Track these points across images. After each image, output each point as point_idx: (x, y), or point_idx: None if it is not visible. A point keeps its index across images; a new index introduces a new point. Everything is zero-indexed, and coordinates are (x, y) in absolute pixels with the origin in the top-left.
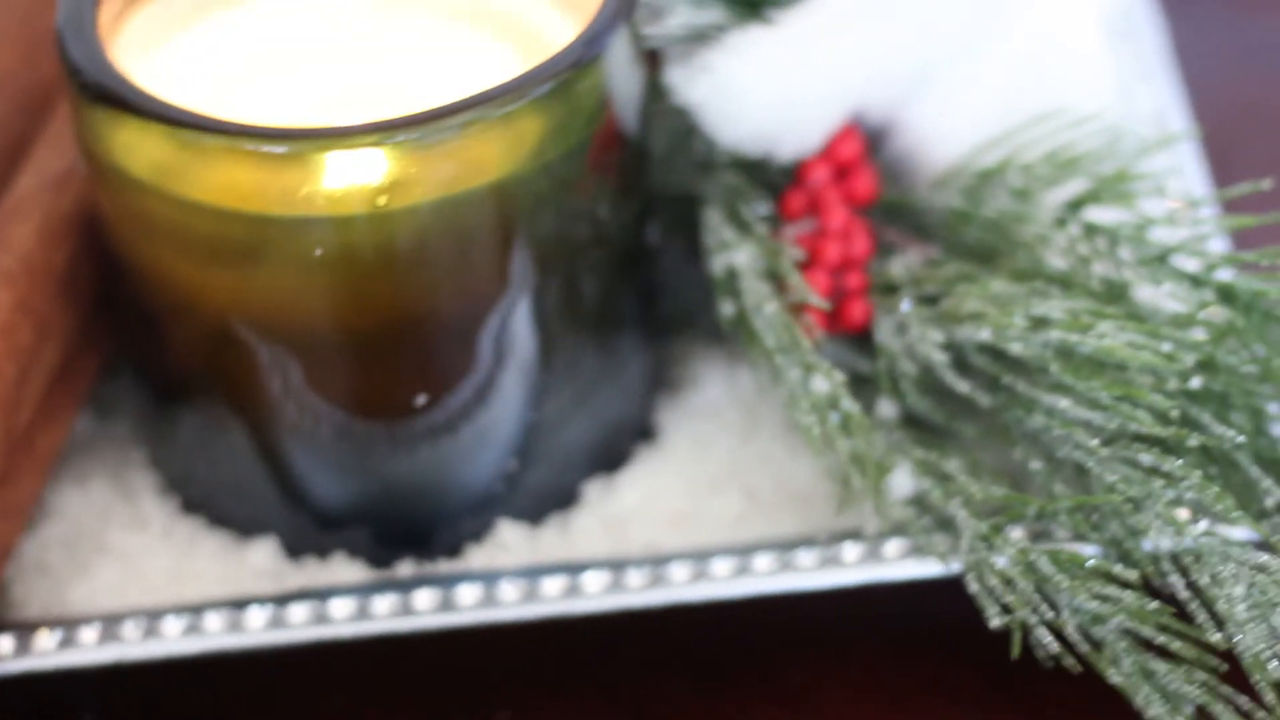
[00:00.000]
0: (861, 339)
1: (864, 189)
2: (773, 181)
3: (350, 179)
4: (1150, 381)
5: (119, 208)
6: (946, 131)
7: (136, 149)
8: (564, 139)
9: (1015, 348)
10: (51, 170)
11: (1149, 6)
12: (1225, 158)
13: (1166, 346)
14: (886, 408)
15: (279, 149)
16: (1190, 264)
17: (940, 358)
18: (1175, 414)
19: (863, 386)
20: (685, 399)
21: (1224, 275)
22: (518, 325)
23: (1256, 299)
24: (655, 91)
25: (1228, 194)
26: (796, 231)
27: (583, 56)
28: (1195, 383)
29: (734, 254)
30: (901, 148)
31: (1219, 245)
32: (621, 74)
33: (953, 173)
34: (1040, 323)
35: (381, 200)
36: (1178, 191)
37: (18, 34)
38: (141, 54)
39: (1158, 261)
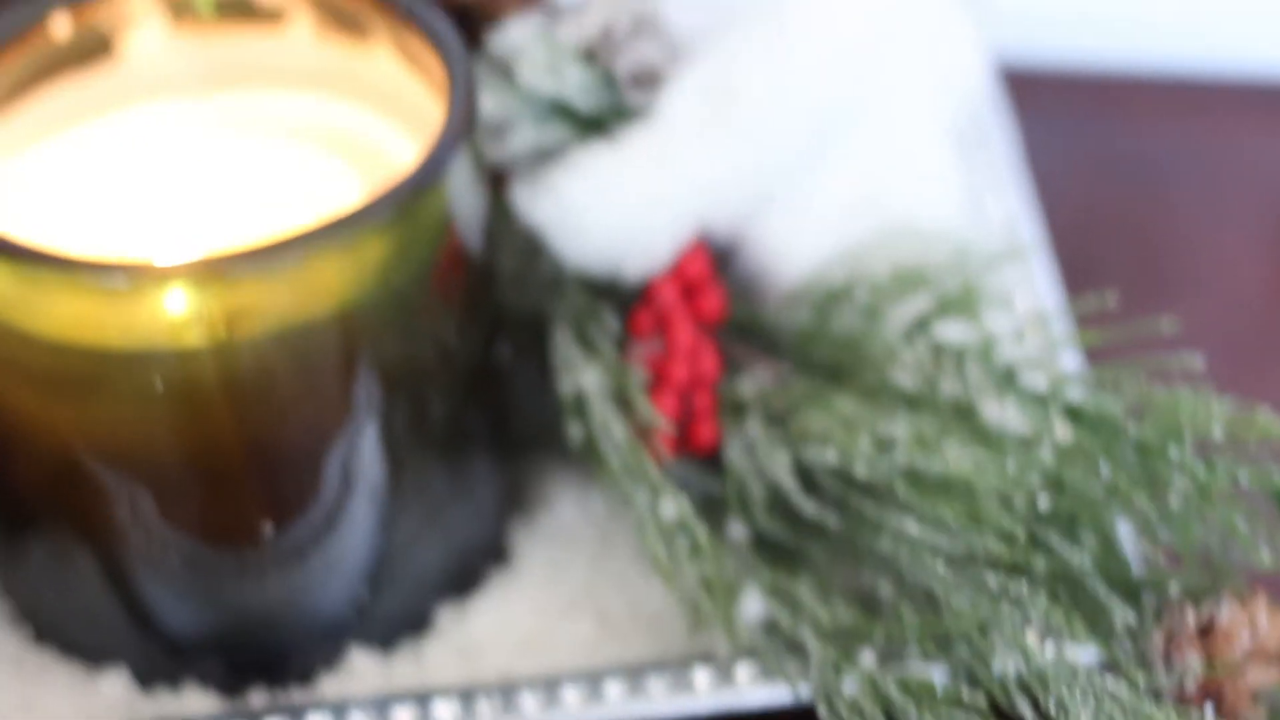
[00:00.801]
0: (713, 459)
1: (712, 307)
2: (622, 299)
3: (190, 312)
4: (997, 502)
5: None
6: (795, 248)
7: None
8: (407, 263)
9: (861, 470)
10: None
11: (999, 113)
12: (1079, 267)
13: (1012, 467)
14: (737, 529)
15: (118, 283)
16: (1038, 381)
17: (788, 479)
18: (1022, 536)
19: (714, 507)
20: (538, 520)
21: (1072, 393)
22: (365, 451)
23: (1104, 417)
24: (502, 211)
25: (1079, 307)
26: (645, 351)
27: (424, 180)
28: (1043, 503)
29: (581, 375)
30: (751, 264)
31: (1070, 360)
32: (463, 195)
33: (801, 290)
34: (886, 444)
35: (222, 332)
36: (1026, 306)
37: None
38: None
39: (1004, 379)
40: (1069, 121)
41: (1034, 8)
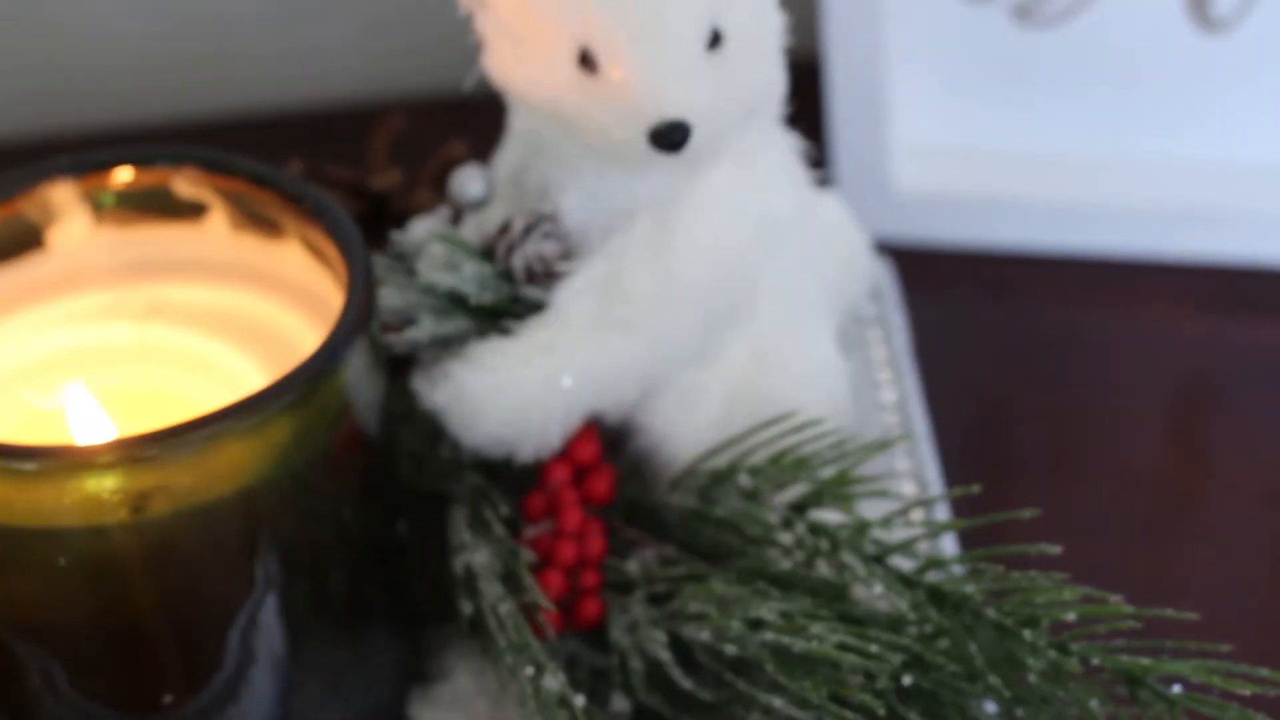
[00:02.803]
0: (599, 633)
1: (601, 490)
2: (518, 480)
3: (96, 493)
4: (861, 681)
5: None
6: (682, 433)
7: None
8: (307, 445)
9: (731, 649)
10: None
11: (891, 293)
12: (971, 447)
13: (875, 647)
14: (620, 702)
15: (26, 465)
16: (906, 565)
17: (666, 655)
18: (883, 713)
19: (600, 680)
20: (436, 690)
21: (936, 576)
22: (267, 623)
23: (965, 600)
24: (405, 394)
25: (952, 494)
26: (536, 531)
27: (322, 367)
28: (906, 681)
29: (473, 554)
30: (642, 447)
31: (949, 545)
32: (361, 381)
33: (687, 473)
34: (757, 624)
35: (129, 512)
36: (908, 490)
37: None
38: None
39: (875, 562)
40: (962, 300)
41: (928, 188)
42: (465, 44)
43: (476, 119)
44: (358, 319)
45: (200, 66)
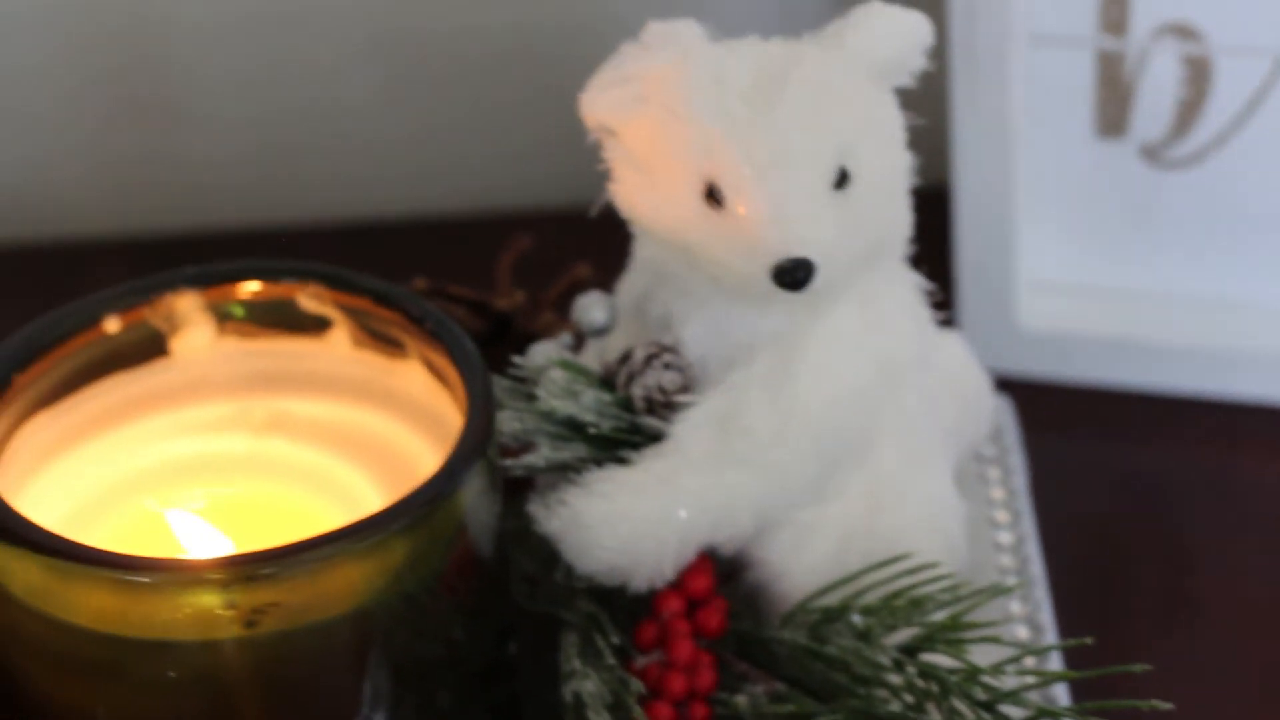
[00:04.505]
0: None
1: (713, 622)
2: (630, 609)
3: (209, 608)
4: None
5: None
6: (796, 569)
7: (9, 568)
8: (422, 566)
9: None
10: None
11: (1009, 432)
12: (1086, 588)
13: None
14: None
15: (141, 578)
16: (1017, 713)
17: None
18: None
19: None
20: None
21: None
22: None
23: None
24: (520, 516)
25: (1064, 644)
26: (646, 661)
27: (440, 490)
28: None
29: (582, 682)
30: (755, 581)
31: (1061, 694)
32: (478, 503)
33: (799, 609)
34: None
35: (242, 628)
36: (1020, 635)
37: None
38: (28, 471)
39: (985, 709)
40: (1081, 439)
41: (1051, 325)
42: (595, 166)
43: (602, 240)
44: (476, 444)
45: (329, 171)
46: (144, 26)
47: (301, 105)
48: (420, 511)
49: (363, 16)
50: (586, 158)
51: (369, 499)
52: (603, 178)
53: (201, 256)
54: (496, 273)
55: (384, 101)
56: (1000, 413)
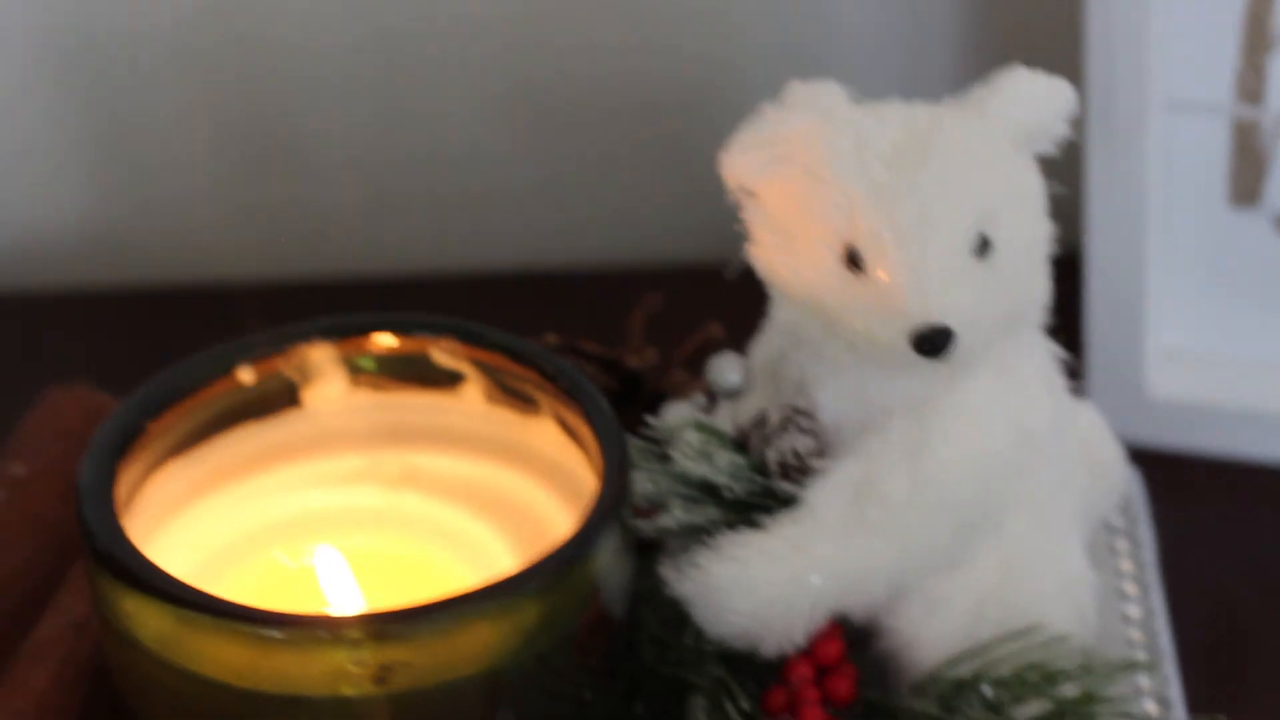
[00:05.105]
0: None
1: (843, 690)
2: (758, 673)
3: (340, 664)
4: None
5: (125, 665)
6: (926, 638)
7: (140, 617)
8: (554, 629)
9: None
10: (74, 615)
11: (1143, 505)
12: (1215, 669)
13: None
14: None
15: (273, 633)
16: None
17: None
18: None
19: None
20: None
21: None
22: None
23: None
24: (651, 576)
25: None
26: None
27: (575, 553)
28: None
29: None
30: (885, 649)
31: None
32: (611, 565)
33: (929, 679)
34: None
35: (372, 686)
36: (1152, 711)
37: (53, 476)
38: (159, 519)
39: None
40: (1211, 510)
41: (1182, 395)
42: (729, 224)
43: (730, 297)
44: (612, 507)
45: (454, 222)
46: (275, 78)
47: (428, 156)
48: (555, 574)
49: (492, 70)
50: (715, 214)
51: (499, 556)
52: (732, 234)
53: (330, 303)
54: (626, 329)
55: (512, 154)
56: (1129, 483)
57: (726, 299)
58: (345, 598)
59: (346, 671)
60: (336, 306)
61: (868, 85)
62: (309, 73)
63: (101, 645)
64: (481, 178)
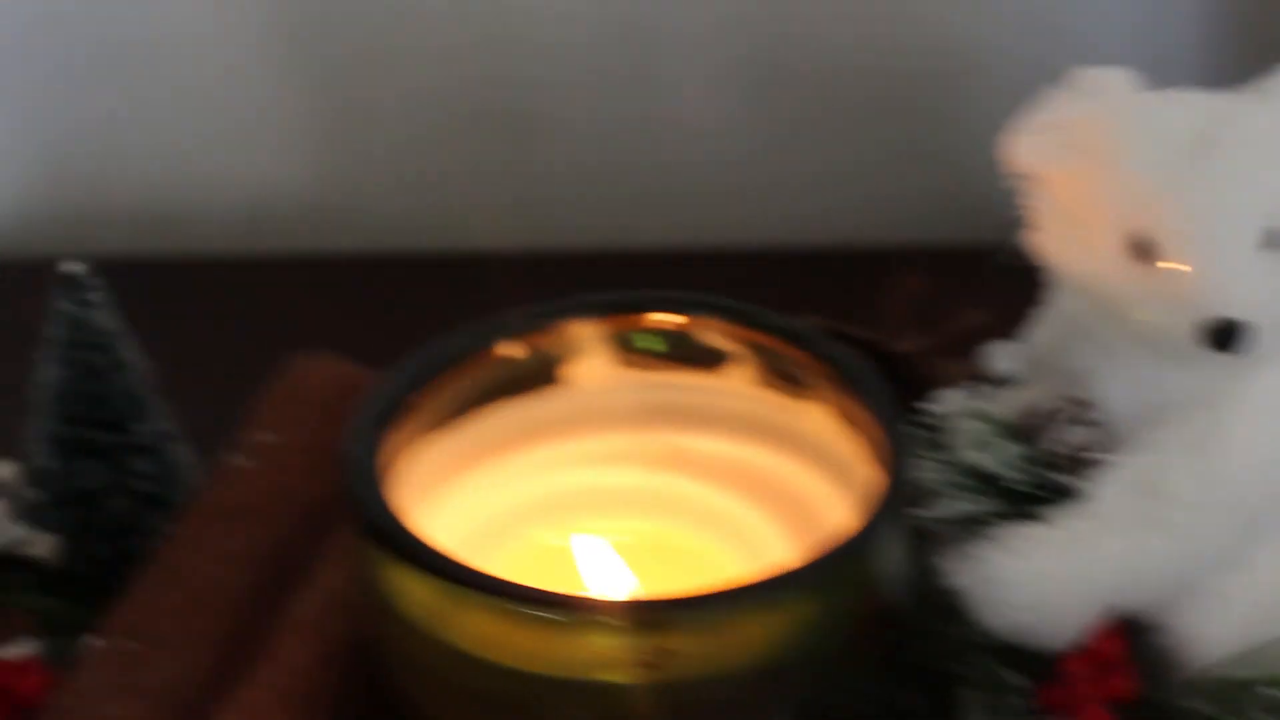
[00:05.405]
0: None
1: (1123, 687)
2: (1031, 669)
3: (608, 650)
4: None
5: (390, 640)
6: (1206, 636)
7: (406, 590)
8: (830, 622)
9: None
10: (332, 591)
11: None
12: None
13: None
14: None
15: (547, 614)
16: None
17: None
18: None
19: None
20: None
21: None
22: None
23: None
24: (925, 570)
25: None
26: None
27: (858, 548)
28: None
29: None
30: (1158, 646)
31: None
32: (891, 557)
33: (1205, 678)
34: None
35: (635, 673)
36: None
37: (302, 447)
38: (419, 494)
39: None
40: None
41: None
42: (974, 204)
43: (980, 277)
44: (895, 500)
45: (690, 194)
46: (517, 45)
47: (670, 127)
48: (836, 568)
49: (726, 37)
50: (960, 194)
51: (768, 543)
52: (980, 215)
53: (566, 277)
54: (883, 312)
55: (753, 129)
56: None
57: (977, 283)
58: (608, 581)
59: (616, 657)
60: (571, 280)
61: (1117, 60)
62: (551, 40)
63: (362, 620)
64: (714, 149)
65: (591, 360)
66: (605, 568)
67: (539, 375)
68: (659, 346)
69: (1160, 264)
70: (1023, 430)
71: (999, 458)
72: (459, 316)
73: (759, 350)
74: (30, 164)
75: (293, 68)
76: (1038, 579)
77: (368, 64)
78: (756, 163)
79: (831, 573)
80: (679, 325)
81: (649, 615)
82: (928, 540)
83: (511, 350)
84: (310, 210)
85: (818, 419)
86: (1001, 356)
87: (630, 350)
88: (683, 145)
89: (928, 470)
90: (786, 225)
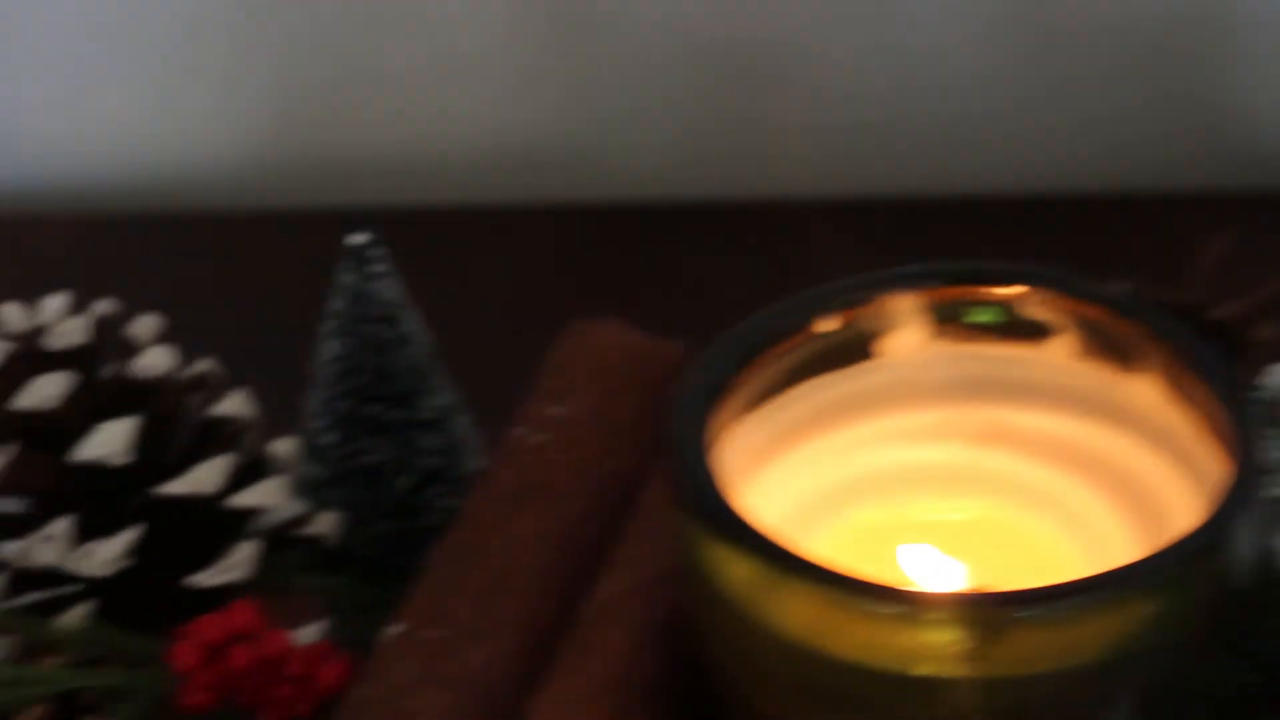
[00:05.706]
0: None
1: None
2: None
3: (937, 644)
4: None
5: (709, 623)
6: None
7: (726, 570)
8: (1178, 619)
9: None
10: (642, 573)
11: None
12: None
13: None
14: None
15: (875, 606)
16: None
17: None
18: None
19: None
20: None
21: None
22: None
23: None
24: (1265, 551)
25: None
26: None
27: (1210, 540)
28: None
29: None
30: None
31: None
32: (1241, 544)
33: None
34: None
35: (968, 668)
36: None
37: (595, 419)
38: (737, 475)
39: None
40: None
41: None
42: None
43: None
44: (1244, 487)
45: (964, 147)
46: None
47: (923, 81)
48: (1187, 562)
49: None
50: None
51: (1103, 525)
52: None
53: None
54: (1191, 272)
55: (1023, 80)
56: None
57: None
58: (937, 568)
59: (947, 653)
60: (846, 230)
61: None
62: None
63: (681, 605)
64: (995, 105)
65: (906, 333)
66: (927, 557)
67: (853, 350)
68: (992, 319)
69: None
70: None
71: None
72: (738, 270)
73: (1086, 324)
74: (281, 112)
75: (553, 29)
76: None
77: (624, 20)
78: (1027, 110)
79: (1182, 568)
80: (1008, 297)
81: (986, 612)
82: (1267, 520)
83: (828, 325)
84: (564, 159)
85: (1147, 395)
86: None
87: (953, 323)
88: (944, 100)
89: (1265, 448)
90: (1057, 171)
